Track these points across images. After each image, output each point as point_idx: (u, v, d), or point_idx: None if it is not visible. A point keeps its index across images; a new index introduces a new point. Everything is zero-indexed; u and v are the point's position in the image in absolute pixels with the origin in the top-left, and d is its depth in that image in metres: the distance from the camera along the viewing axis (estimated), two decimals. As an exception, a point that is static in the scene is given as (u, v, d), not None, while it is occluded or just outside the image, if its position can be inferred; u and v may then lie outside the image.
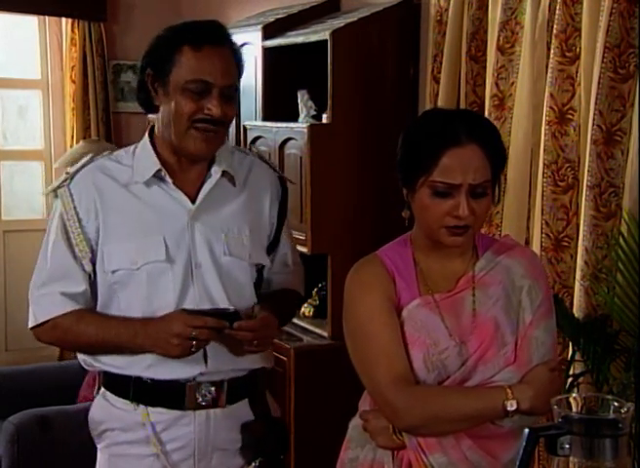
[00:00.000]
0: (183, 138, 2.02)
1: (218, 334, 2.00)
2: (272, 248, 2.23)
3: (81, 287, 2.07)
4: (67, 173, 2.11)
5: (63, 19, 5.22)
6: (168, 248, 2.05)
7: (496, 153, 1.75)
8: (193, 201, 2.08)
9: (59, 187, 2.08)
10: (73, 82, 5.22)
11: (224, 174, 2.11)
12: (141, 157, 2.09)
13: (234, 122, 4.08)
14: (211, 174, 2.10)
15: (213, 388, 2.08)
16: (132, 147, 2.14)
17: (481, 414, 1.72)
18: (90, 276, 2.08)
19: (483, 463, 1.74)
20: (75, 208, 2.06)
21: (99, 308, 2.09)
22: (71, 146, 5.18)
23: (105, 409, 2.13)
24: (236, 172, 2.14)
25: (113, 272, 2.05)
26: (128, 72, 5.41)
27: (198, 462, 2.11)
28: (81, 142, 5.06)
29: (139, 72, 2.09)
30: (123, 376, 2.08)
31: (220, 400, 2.10)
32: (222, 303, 2.06)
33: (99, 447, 2.19)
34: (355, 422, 1.90)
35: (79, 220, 2.05)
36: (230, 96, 2.03)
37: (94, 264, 2.07)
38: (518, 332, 1.78)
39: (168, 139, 2.06)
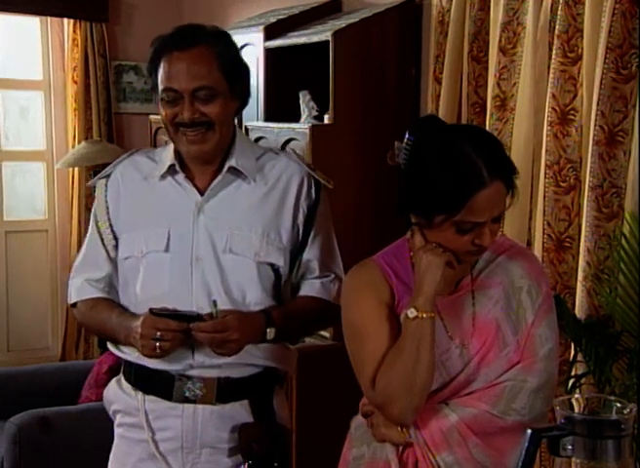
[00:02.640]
0: (175, 142, 2.12)
1: (182, 336, 2.02)
2: (298, 252, 2.18)
3: (103, 272, 2.20)
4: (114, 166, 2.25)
5: (65, 20, 5.22)
6: (170, 238, 2.11)
7: (512, 178, 1.73)
8: (203, 195, 2.13)
9: (99, 179, 2.23)
10: (75, 83, 5.22)
11: (235, 170, 2.13)
12: (164, 153, 2.19)
13: (236, 122, 4.13)
14: (222, 169, 2.13)
15: (201, 384, 2.10)
16: (168, 145, 2.22)
17: (419, 344, 1.72)
18: (115, 262, 2.20)
19: (488, 462, 1.75)
20: (106, 197, 2.19)
21: (120, 293, 2.20)
22: (73, 147, 5.19)
23: (115, 391, 2.23)
24: (257, 170, 2.15)
25: (125, 259, 2.15)
26: (130, 73, 5.41)
27: (186, 455, 2.13)
28: (83, 143, 5.07)
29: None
30: (127, 361, 2.17)
31: (209, 397, 2.11)
32: (220, 299, 2.07)
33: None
34: (358, 421, 1.90)
35: (107, 209, 2.18)
36: (209, 96, 2.04)
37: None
38: (521, 333, 1.79)
39: None
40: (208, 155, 2.11)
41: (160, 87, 2.07)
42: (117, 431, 2.24)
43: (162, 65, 2.06)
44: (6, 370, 4.20)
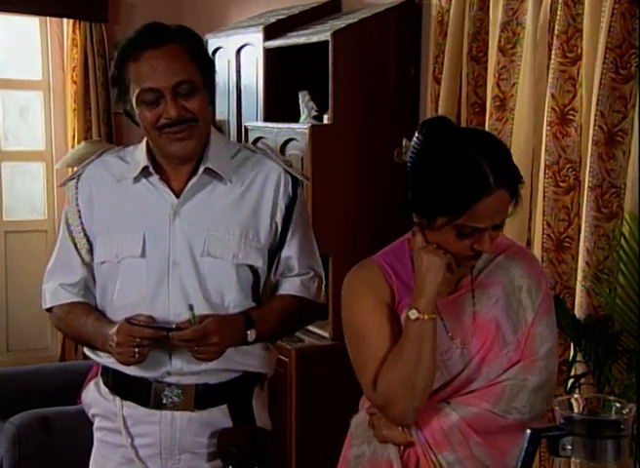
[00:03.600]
0: (159, 145, 2.06)
1: (158, 344, 2.01)
2: (277, 250, 2.16)
3: (77, 277, 2.16)
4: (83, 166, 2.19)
5: (65, 20, 5.21)
6: (145, 243, 2.07)
7: (517, 187, 1.73)
8: (179, 197, 2.09)
9: (69, 180, 2.19)
10: (74, 83, 5.22)
11: (211, 172, 2.09)
12: (137, 154, 2.14)
13: (235, 123, 4.13)
14: (198, 171, 2.09)
15: (179, 391, 2.08)
16: (140, 144, 2.18)
17: (420, 345, 1.72)
18: (90, 266, 2.16)
19: (489, 461, 1.75)
20: (77, 200, 2.15)
21: (98, 296, 2.16)
22: (73, 147, 5.18)
23: (94, 394, 2.20)
24: (233, 170, 2.11)
25: (101, 263, 2.12)
26: (129, 73, 5.41)
27: (165, 461, 2.12)
28: (82, 143, 5.06)
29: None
30: (105, 366, 2.15)
31: (187, 404, 2.08)
32: (199, 303, 2.04)
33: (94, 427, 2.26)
34: (358, 419, 1.91)
35: (78, 212, 2.14)
36: (189, 91, 2.00)
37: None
38: (521, 332, 1.79)
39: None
40: (194, 152, 2.07)
41: (136, 90, 2.00)
42: (96, 434, 2.21)
43: (133, 68, 1.99)
44: (6, 370, 4.20)
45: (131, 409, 2.11)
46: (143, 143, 2.14)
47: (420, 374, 1.73)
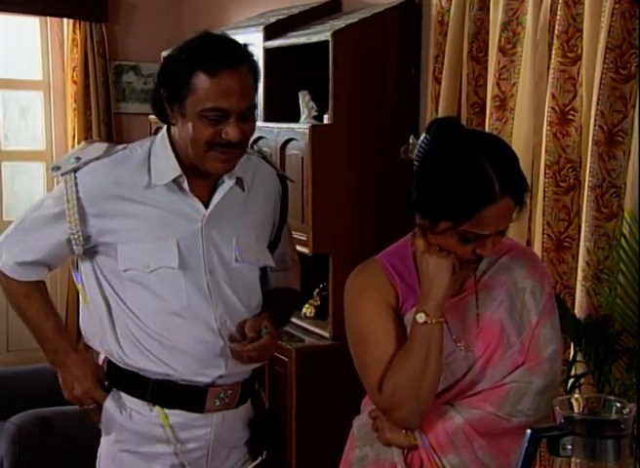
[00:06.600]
0: (202, 160, 2.02)
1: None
2: (273, 246, 2.25)
3: (40, 255, 2.17)
4: (78, 158, 2.09)
5: (65, 20, 5.22)
6: (181, 253, 2.06)
7: (523, 195, 1.72)
8: (206, 206, 2.09)
9: (67, 172, 2.09)
10: (75, 83, 5.22)
11: (237, 180, 2.12)
12: (161, 159, 2.08)
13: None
14: (224, 180, 2.09)
15: (230, 391, 2.13)
16: (147, 144, 2.11)
17: (427, 349, 1.72)
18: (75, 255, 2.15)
19: (493, 463, 1.75)
20: (77, 193, 2.06)
21: (110, 291, 2.11)
22: (73, 147, 5.18)
23: (118, 409, 2.15)
24: (244, 175, 2.14)
25: (125, 271, 2.08)
26: (129, 73, 5.41)
27: (210, 461, 2.17)
28: (82, 143, 5.04)
29: (153, 87, 2.05)
30: (143, 378, 2.11)
31: (233, 401, 2.15)
32: (235, 308, 2.11)
33: (107, 438, 2.20)
34: (360, 421, 1.90)
35: (77, 206, 2.06)
36: (248, 115, 2.00)
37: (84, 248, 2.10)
38: (525, 334, 1.79)
39: (188, 154, 2.05)
40: (228, 172, 2.08)
41: (204, 104, 1.95)
42: (123, 446, 2.16)
43: (206, 81, 1.94)
44: (6, 370, 4.20)
45: (177, 416, 2.11)
46: (166, 148, 2.08)
47: (427, 378, 1.72)
